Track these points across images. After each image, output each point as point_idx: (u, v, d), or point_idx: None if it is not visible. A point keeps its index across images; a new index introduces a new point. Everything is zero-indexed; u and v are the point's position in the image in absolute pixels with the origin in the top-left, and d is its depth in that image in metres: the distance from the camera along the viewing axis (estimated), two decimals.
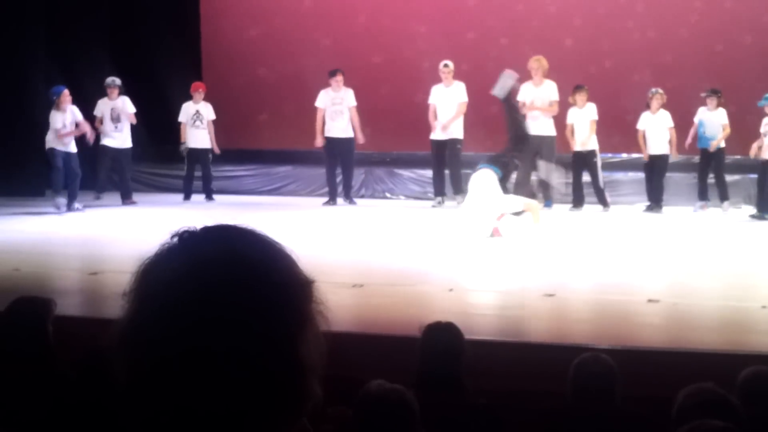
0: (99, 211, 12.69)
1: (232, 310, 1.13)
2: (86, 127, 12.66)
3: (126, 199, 13.35)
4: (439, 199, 13.19)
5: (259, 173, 14.68)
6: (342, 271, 8.26)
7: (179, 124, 13.74)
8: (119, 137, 13.33)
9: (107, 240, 9.82)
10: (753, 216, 11.84)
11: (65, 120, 12.51)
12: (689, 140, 12.57)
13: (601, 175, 12.70)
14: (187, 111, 13.74)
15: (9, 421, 3.41)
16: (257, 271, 1.17)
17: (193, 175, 13.80)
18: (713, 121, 12.43)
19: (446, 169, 13.17)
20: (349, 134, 13.28)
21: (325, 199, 13.39)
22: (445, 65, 13.04)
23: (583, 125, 12.72)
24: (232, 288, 1.14)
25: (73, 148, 12.59)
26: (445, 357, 4.18)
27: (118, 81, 13.34)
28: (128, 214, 12.31)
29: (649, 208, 12.50)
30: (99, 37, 14.86)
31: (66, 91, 12.57)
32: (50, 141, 12.53)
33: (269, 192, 14.39)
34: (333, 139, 13.28)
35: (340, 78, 13.26)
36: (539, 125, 12.64)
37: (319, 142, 13.33)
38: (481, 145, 13.01)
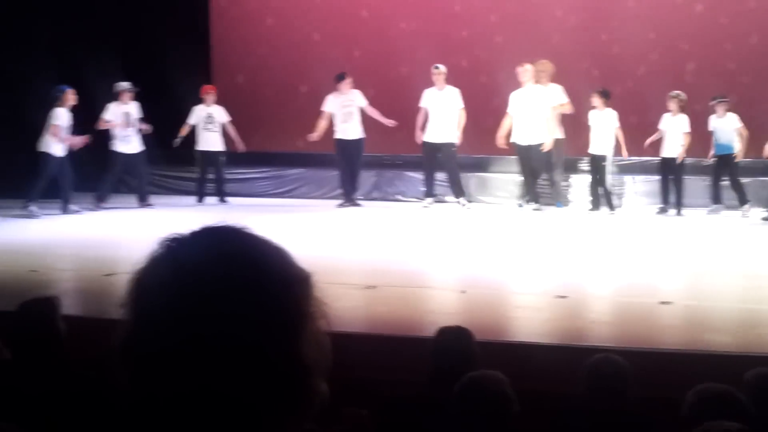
0: (113, 213, 12.72)
1: (227, 311, 1.12)
2: (79, 141, 12.49)
3: (143, 201, 13.33)
4: (429, 200, 13.21)
5: (272, 176, 14.70)
6: (354, 273, 8.28)
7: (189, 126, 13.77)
8: (132, 142, 13.28)
9: (121, 242, 9.86)
10: (765, 218, 11.80)
11: (65, 120, 12.37)
12: (712, 151, 12.47)
13: (610, 179, 12.64)
14: (198, 114, 13.76)
15: (24, 419, 3.44)
16: (249, 268, 1.15)
17: (206, 177, 13.84)
18: (725, 128, 12.34)
19: (439, 171, 13.19)
20: (361, 135, 13.29)
21: (339, 201, 13.39)
22: (436, 68, 13.06)
23: (600, 129, 12.66)
24: (224, 289, 1.12)
25: (64, 151, 12.40)
26: (456, 362, 4.19)
27: (132, 86, 13.29)
28: (142, 216, 12.35)
29: (662, 210, 12.44)
30: (109, 41, 14.91)
31: (70, 90, 12.43)
32: (46, 143, 12.27)
33: (281, 194, 14.42)
34: (345, 140, 13.29)
35: (349, 80, 13.27)
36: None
37: (314, 137, 13.25)
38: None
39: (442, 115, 13.06)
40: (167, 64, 14.30)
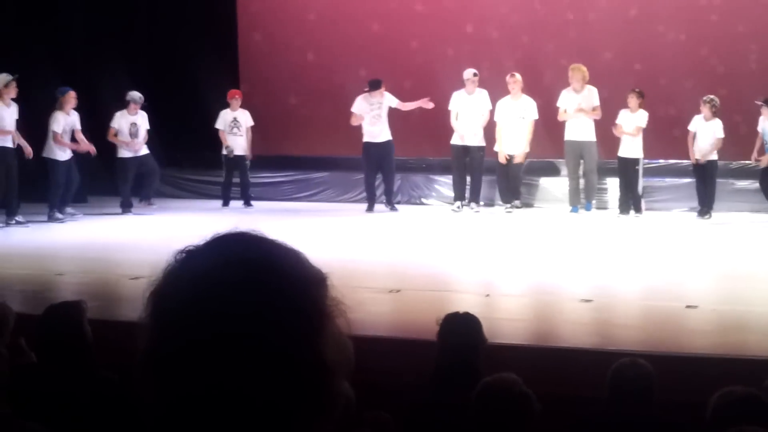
0: (137, 217, 12.80)
1: (245, 316, 1.12)
2: (88, 147, 12.42)
3: (145, 200, 13.25)
4: (458, 204, 13.22)
5: (297, 179, 14.74)
6: (379, 277, 8.29)
7: (216, 131, 13.82)
8: (138, 146, 13.17)
9: (146, 245, 9.91)
10: None
11: (66, 124, 12.21)
12: (755, 153, 12.30)
13: (641, 183, 12.58)
14: (224, 118, 13.83)
15: (49, 422, 3.46)
16: (264, 272, 1.15)
17: (232, 181, 13.89)
18: None
19: (467, 175, 13.20)
20: (388, 137, 13.27)
21: (365, 205, 13.38)
22: (475, 74, 13.06)
23: (631, 130, 12.58)
24: (240, 294, 1.13)
25: (69, 154, 12.31)
26: (463, 348, 4.18)
27: (141, 98, 13.19)
28: (167, 221, 12.40)
29: (700, 213, 12.32)
30: (136, 45, 15.02)
31: (72, 93, 12.23)
32: (50, 148, 12.12)
33: (306, 198, 14.44)
34: (372, 144, 13.26)
35: (382, 90, 13.23)
36: (582, 130, 12.71)
37: (428, 103, 13.17)
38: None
39: (471, 118, 13.06)
40: (194, 69, 14.38)
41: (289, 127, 14.99)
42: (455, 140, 13.11)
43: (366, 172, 13.44)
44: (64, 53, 14.09)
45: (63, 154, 12.26)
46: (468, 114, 13.07)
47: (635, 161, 12.50)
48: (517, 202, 13.07)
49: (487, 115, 13.07)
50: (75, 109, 12.36)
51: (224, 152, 13.68)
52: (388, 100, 13.26)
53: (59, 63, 13.70)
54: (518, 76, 12.96)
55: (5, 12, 13.82)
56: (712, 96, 12.32)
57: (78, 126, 12.40)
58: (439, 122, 13.35)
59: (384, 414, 3.96)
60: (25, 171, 11.94)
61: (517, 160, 12.88)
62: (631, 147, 12.52)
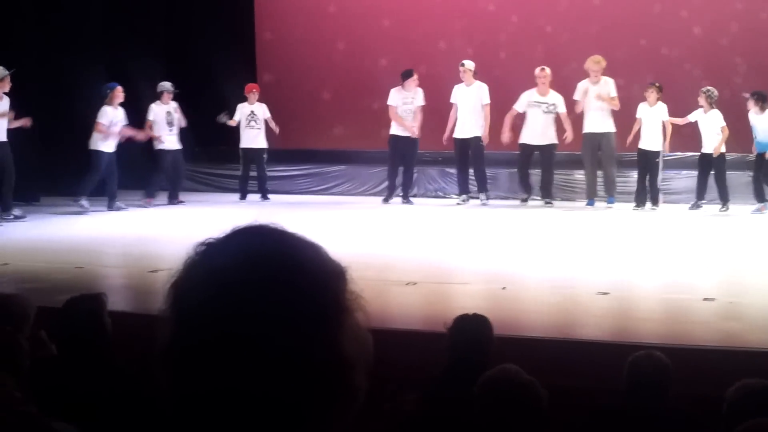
0: (153, 210, 12.87)
1: (265, 309, 1.12)
2: (139, 134, 12.88)
3: (174, 199, 13.49)
4: (463, 197, 13.22)
5: (313, 173, 14.76)
6: (395, 269, 8.31)
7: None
8: (174, 140, 13.45)
9: (164, 238, 9.97)
10: None
11: (114, 117, 12.58)
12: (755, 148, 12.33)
13: (661, 176, 12.55)
14: (242, 112, 13.88)
15: (69, 415, 3.49)
16: (283, 265, 1.15)
17: (249, 175, 13.94)
18: (763, 126, 12.13)
19: (471, 167, 13.20)
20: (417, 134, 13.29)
21: (382, 197, 13.44)
22: (461, 64, 13.06)
23: (651, 124, 12.54)
24: (260, 287, 1.13)
25: (113, 148, 12.64)
26: (473, 348, 4.19)
27: (173, 86, 13.44)
28: (184, 213, 12.47)
29: (695, 206, 12.29)
30: (155, 41, 15.07)
31: (119, 88, 12.64)
32: (95, 141, 12.53)
33: (323, 191, 14.47)
34: (400, 137, 13.29)
35: (414, 78, 13.25)
36: (600, 122, 12.68)
37: (415, 132, 13.21)
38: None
39: (470, 110, 13.05)
40: (212, 63, 14.42)
41: (305, 121, 15.01)
42: (455, 133, 13.13)
43: (389, 164, 13.48)
44: (84, 48, 14.13)
45: (107, 147, 12.55)
46: (465, 106, 13.07)
47: (656, 154, 12.47)
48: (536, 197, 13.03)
49: (487, 111, 13.04)
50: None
51: (221, 119, 13.66)
52: (419, 99, 13.25)
53: (76, 56, 13.77)
54: (548, 70, 12.92)
55: (25, 7, 13.89)
56: (709, 87, 12.31)
57: (124, 121, 12.75)
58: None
59: (403, 406, 3.98)
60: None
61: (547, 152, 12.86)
62: (653, 139, 12.47)
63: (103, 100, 12.57)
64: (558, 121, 12.97)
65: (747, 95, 12.19)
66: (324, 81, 15.12)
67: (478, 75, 13.14)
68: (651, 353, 4.12)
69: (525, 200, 13.00)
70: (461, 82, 13.17)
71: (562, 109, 12.91)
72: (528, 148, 12.97)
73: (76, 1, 14.32)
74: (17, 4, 13.81)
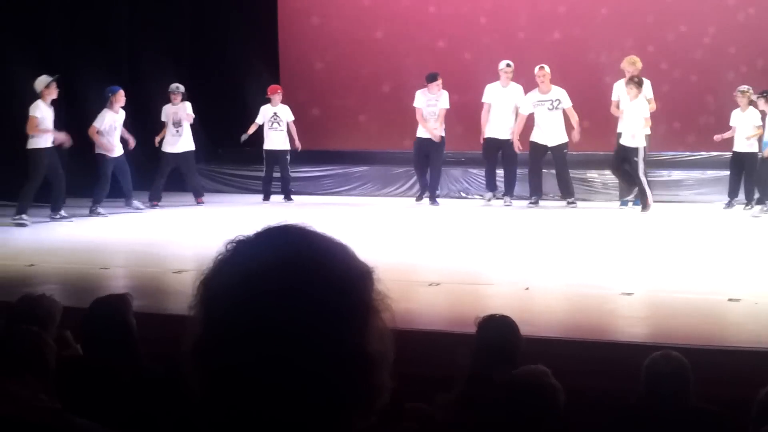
0: (177, 210, 12.92)
1: (294, 308, 1.14)
2: (131, 141, 12.65)
3: (199, 197, 13.53)
4: (489, 195, 13.20)
5: (337, 174, 14.78)
6: (419, 270, 8.31)
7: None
8: (180, 142, 13.35)
9: (188, 240, 10.01)
10: None
11: (114, 121, 12.41)
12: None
13: (642, 172, 12.19)
14: (265, 113, 13.92)
15: (94, 415, 3.51)
16: (313, 265, 1.17)
17: (272, 176, 13.97)
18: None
19: (499, 167, 13.17)
20: (441, 134, 13.26)
21: (405, 199, 13.51)
22: (508, 65, 13.01)
23: (632, 120, 12.31)
24: (290, 286, 1.15)
25: (119, 152, 12.51)
26: (500, 352, 4.16)
27: (181, 87, 13.36)
28: (208, 214, 12.52)
29: (729, 205, 12.20)
30: (179, 42, 15.14)
31: (121, 92, 12.47)
32: (98, 145, 12.34)
33: (346, 192, 14.48)
34: (425, 140, 13.26)
35: (439, 81, 13.21)
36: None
37: (437, 136, 13.15)
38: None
39: (505, 111, 13.01)
40: (235, 65, 14.47)
41: (328, 122, 15.04)
42: (488, 133, 13.06)
43: (414, 166, 13.52)
44: (106, 50, 14.21)
45: (113, 152, 12.44)
46: (500, 107, 13.03)
47: (634, 150, 12.17)
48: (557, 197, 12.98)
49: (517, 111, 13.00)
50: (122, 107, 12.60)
51: (243, 138, 13.71)
52: (443, 101, 13.24)
53: (100, 59, 13.83)
54: (547, 68, 12.85)
55: (50, 8, 13.97)
56: (746, 86, 12.21)
57: (121, 122, 12.58)
58: (477, 116, 13.32)
59: (425, 406, 3.98)
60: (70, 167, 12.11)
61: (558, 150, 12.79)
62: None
63: (104, 104, 12.41)
64: (568, 121, 12.81)
65: (755, 96, 12.10)
66: (347, 83, 15.12)
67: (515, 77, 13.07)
68: (668, 353, 4.07)
69: (534, 203, 12.89)
70: (497, 80, 13.09)
71: (567, 103, 12.80)
72: (539, 147, 12.88)
73: (102, 5, 14.41)
74: (46, 5, 13.83)
